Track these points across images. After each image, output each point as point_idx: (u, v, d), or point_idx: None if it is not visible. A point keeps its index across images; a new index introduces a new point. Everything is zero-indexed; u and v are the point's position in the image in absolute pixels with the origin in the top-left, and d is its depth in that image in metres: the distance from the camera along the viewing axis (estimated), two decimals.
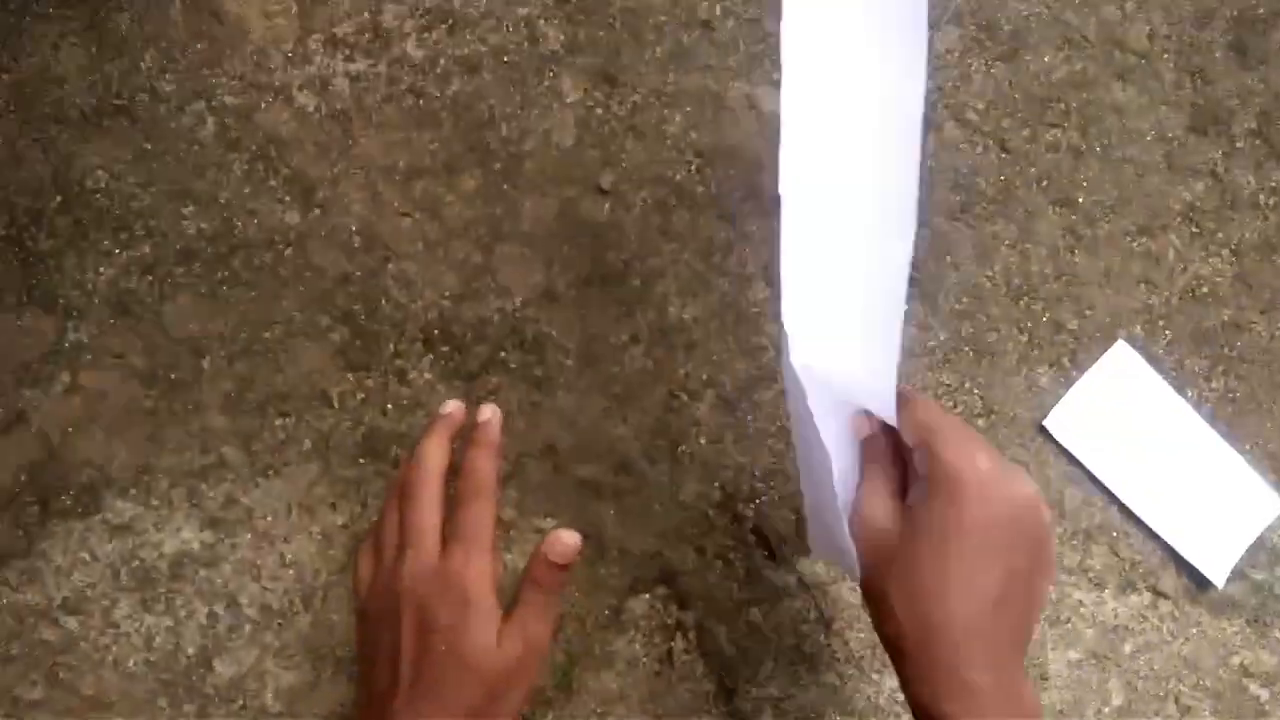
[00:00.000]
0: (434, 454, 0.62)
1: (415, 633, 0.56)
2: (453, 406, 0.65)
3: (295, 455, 0.71)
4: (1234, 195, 0.77)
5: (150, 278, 0.73)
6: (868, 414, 0.58)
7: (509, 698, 0.56)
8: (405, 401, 0.72)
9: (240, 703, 0.68)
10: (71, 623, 0.68)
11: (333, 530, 0.70)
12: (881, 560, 0.55)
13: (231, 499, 0.70)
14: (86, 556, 0.69)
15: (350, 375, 0.72)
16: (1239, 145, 0.78)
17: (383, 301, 0.73)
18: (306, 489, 0.71)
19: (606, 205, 0.75)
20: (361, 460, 0.71)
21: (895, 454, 0.58)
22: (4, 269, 0.73)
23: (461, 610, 0.56)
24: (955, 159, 0.77)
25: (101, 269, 0.73)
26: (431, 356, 0.73)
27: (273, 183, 0.75)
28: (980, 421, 0.73)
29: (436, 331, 0.73)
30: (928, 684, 0.52)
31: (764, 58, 0.78)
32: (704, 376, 0.73)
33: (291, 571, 0.70)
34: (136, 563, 0.69)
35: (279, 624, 0.69)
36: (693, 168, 0.76)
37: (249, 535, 0.70)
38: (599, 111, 0.77)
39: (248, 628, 0.69)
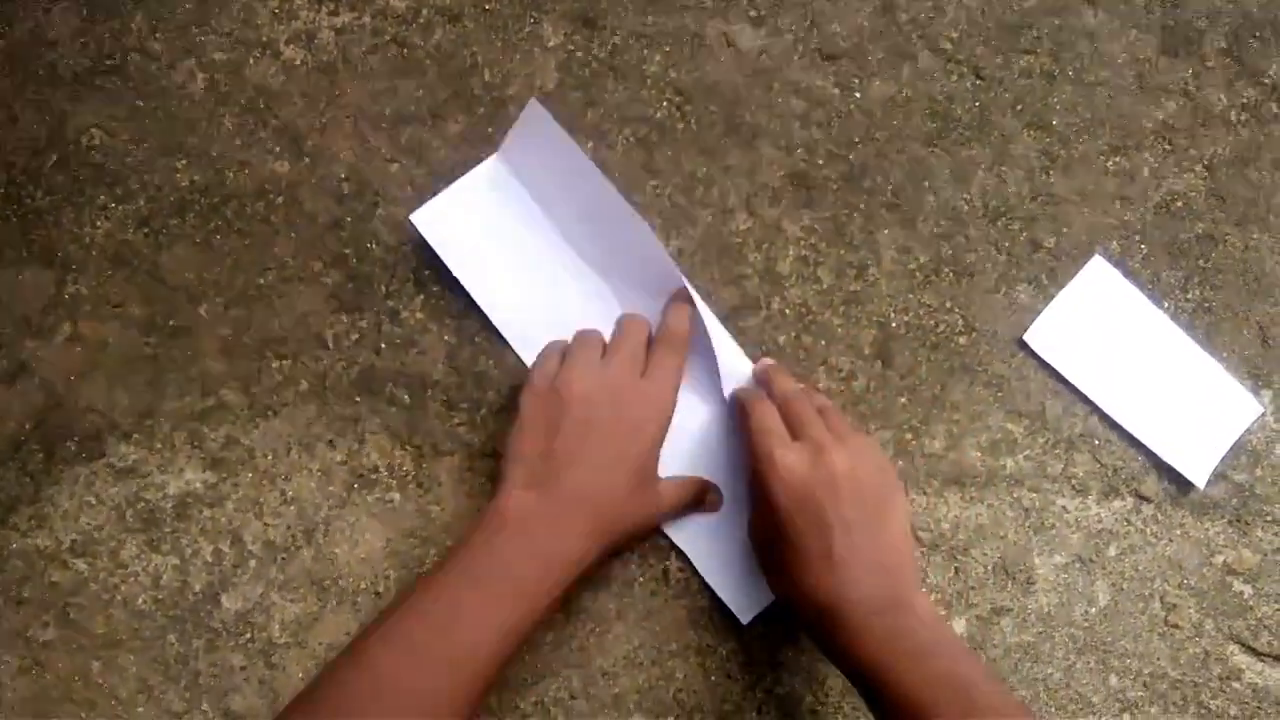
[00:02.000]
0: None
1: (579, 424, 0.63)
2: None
3: (293, 396, 0.72)
4: (1206, 112, 0.77)
5: (146, 230, 0.74)
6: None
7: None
8: (399, 340, 0.73)
9: (248, 635, 0.68)
10: (80, 564, 0.69)
11: (331, 466, 0.71)
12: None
13: (232, 440, 0.71)
14: (93, 500, 0.70)
15: (344, 317, 0.73)
16: (1209, 64, 0.78)
17: (373, 245, 0.74)
18: (305, 428, 0.72)
19: (590, 144, 0.76)
20: (357, 399, 0.72)
21: None
22: (3, 225, 0.73)
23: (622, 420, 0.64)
24: (931, 87, 0.77)
25: (98, 223, 0.74)
26: (423, 296, 0.73)
27: (262, 134, 0.76)
28: (961, 339, 0.74)
29: (427, 272, 0.74)
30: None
31: None
32: None
33: (293, 508, 0.70)
34: (142, 504, 0.70)
35: (282, 558, 0.70)
36: (673, 105, 0.77)
37: (250, 474, 0.71)
38: (579, 54, 0.78)
39: (252, 563, 0.70)
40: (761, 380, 0.70)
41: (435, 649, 0.54)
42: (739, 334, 0.73)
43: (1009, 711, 0.53)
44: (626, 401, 0.64)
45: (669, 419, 0.65)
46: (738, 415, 0.67)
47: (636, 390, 0.64)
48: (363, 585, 0.69)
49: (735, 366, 0.71)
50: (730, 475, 0.70)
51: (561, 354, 0.67)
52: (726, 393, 0.69)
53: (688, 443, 0.70)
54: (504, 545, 0.59)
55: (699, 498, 0.69)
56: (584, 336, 0.67)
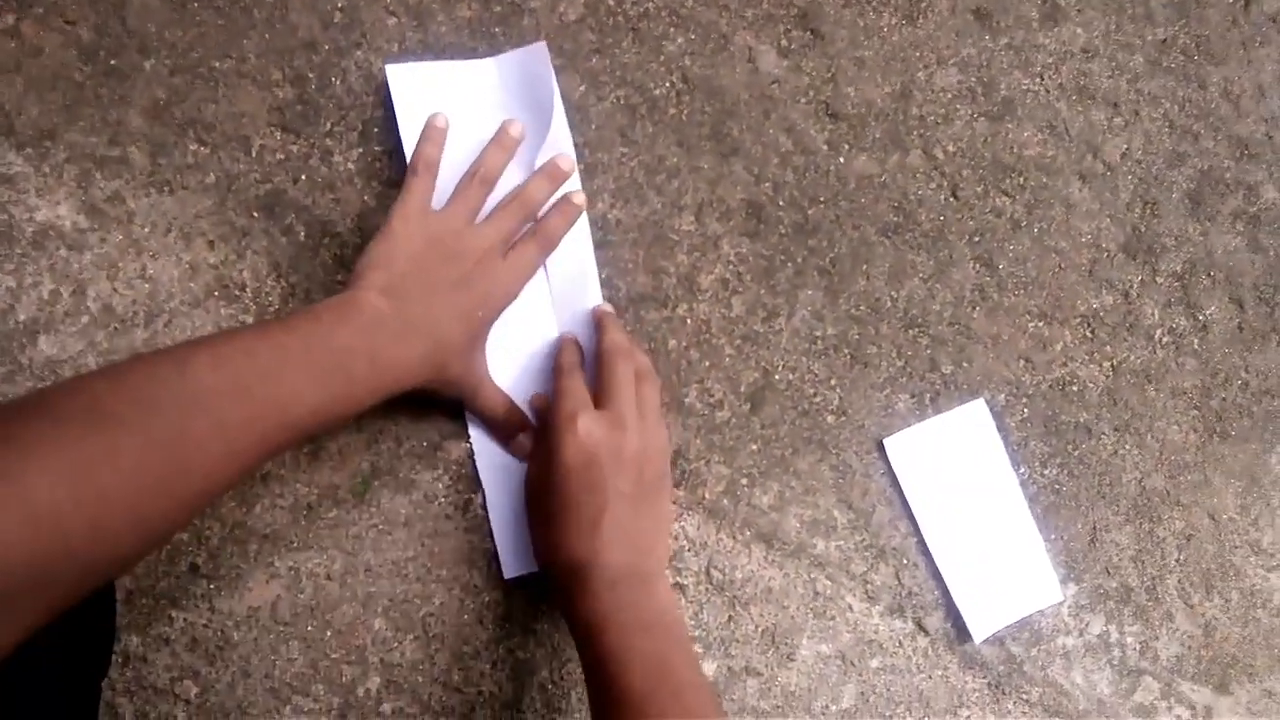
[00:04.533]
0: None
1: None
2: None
3: (195, 183, 0.70)
4: (1135, 320, 0.79)
5: None
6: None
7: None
8: (320, 179, 0.71)
9: (49, 383, 0.66)
10: None
11: (201, 265, 0.69)
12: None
13: (119, 196, 0.68)
14: None
15: (279, 134, 0.71)
16: (1158, 280, 0.80)
17: (337, 80, 0.72)
18: (193, 218, 0.69)
19: (582, 87, 0.75)
20: (255, 214, 0.70)
21: None
22: None
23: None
24: (907, 183, 0.78)
25: None
26: (362, 150, 0.71)
27: None
28: (830, 418, 0.74)
29: (376, 130, 0.72)
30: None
31: (779, 20, 0.78)
32: (603, 276, 0.73)
33: (147, 285, 0.68)
34: (4, 216, 0.67)
35: (115, 328, 0.67)
36: (674, 89, 0.76)
37: (121, 236, 0.68)
38: (611, 2, 0.77)
39: (84, 319, 0.67)
40: (596, 325, 0.70)
41: (255, 391, 0.52)
42: (637, 323, 0.72)
43: (692, 702, 0.54)
44: (483, 272, 0.65)
45: (510, 301, 0.68)
46: (554, 367, 0.68)
47: (494, 266, 0.66)
48: None
49: (583, 297, 0.72)
50: None
51: (434, 173, 0.67)
52: (561, 319, 0.71)
53: (527, 366, 0.71)
54: (350, 337, 0.58)
55: (510, 420, 0.68)
56: (469, 183, 0.67)
